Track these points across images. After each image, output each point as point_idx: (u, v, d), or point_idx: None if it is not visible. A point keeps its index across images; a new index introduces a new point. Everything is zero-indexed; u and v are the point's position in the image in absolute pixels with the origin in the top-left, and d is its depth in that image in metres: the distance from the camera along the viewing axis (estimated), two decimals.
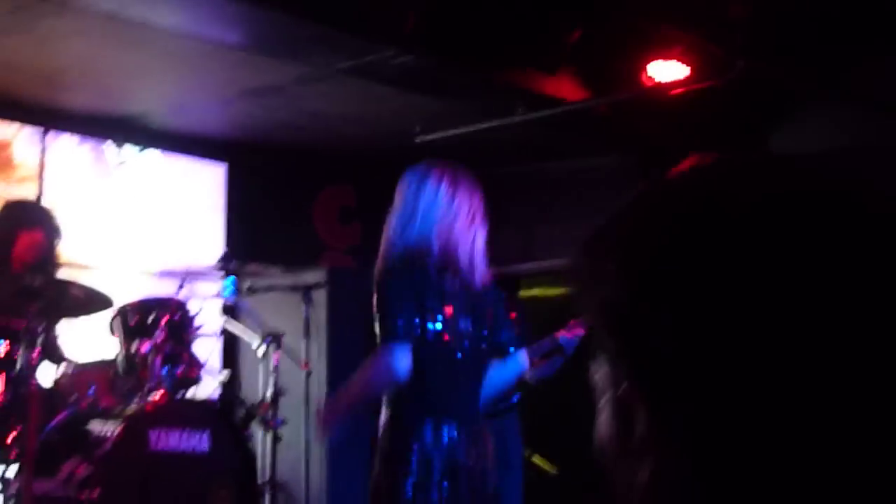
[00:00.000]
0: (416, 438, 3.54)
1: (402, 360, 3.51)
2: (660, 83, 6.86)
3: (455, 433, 3.59)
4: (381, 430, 3.72)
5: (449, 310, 3.64)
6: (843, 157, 7.19)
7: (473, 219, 3.73)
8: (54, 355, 5.82)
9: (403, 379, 3.53)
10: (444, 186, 3.69)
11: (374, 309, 3.65)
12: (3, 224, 5.78)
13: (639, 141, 7.86)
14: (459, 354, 3.68)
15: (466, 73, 6.84)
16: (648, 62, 6.84)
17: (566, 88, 7.13)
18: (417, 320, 3.55)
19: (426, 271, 3.59)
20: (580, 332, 5.10)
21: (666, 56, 6.84)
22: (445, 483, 3.54)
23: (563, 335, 5.09)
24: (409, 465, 3.52)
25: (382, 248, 3.72)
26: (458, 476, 3.57)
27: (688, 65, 6.83)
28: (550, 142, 8.03)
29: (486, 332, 3.78)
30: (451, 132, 7.50)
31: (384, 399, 3.72)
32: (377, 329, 3.61)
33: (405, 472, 3.53)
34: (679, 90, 6.90)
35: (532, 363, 5.13)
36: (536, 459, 6.94)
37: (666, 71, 6.87)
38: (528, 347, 5.08)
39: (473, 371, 3.76)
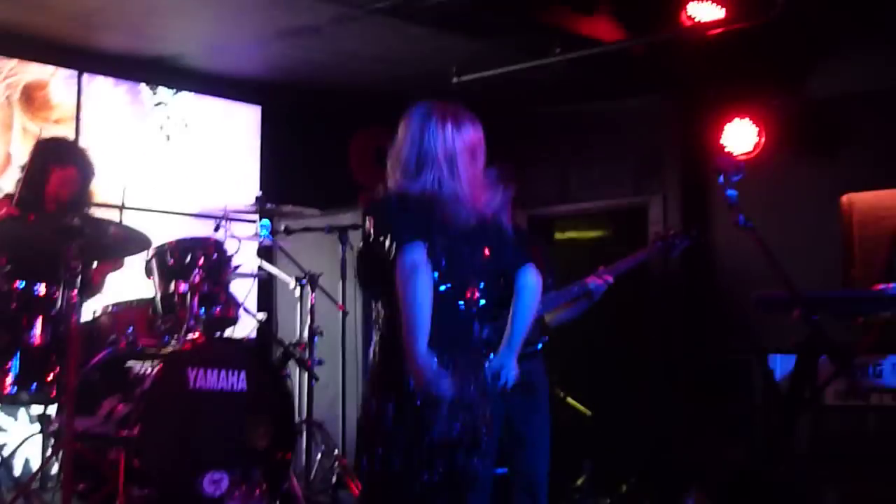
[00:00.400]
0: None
1: (419, 254, 3.45)
2: (698, 23, 6.78)
3: (448, 363, 3.50)
4: (372, 352, 3.67)
5: (451, 242, 3.58)
6: (879, 99, 7.10)
7: (475, 154, 3.71)
8: (92, 295, 5.87)
9: (429, 273, 3.47)
10: (448, 123, 3.68)
11: (372, 236, 3.59)
12: (37, 161, 5.78)
13: (676, 82, 7.77)
14: (457, 284, 3.61)
15: (503, 13, 6.78)
16: (687, 2, 6.76)
17: (603, 29, 7.06)
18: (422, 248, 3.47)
19: (430, 204, 3.56)
20: (609, 278, 5.10)
21: None
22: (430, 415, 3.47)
23: (592, 280, 5.08)
24: (401, 388, 3.50)
25: (388, 182, 3.69)
26: (444, 408, 3.49)
27: (726, 5, 6.74)
28: (587, 82, 7.95)
29: (490, 263, 3.71)
30: (487, 73, 7.45)
31: (379, 320, 3.65)
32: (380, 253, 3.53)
33: (392, 397, 3.52)
34: (717, 30, 6.81)
35: (559, 307, 5.13)
36: (570, 402, 6.96)
37: (704, 11, 6.79)
38: (556, 292, 5.08)
39: (475, 303, 3.69)
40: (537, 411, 5.05)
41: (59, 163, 5.75)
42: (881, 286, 4.77)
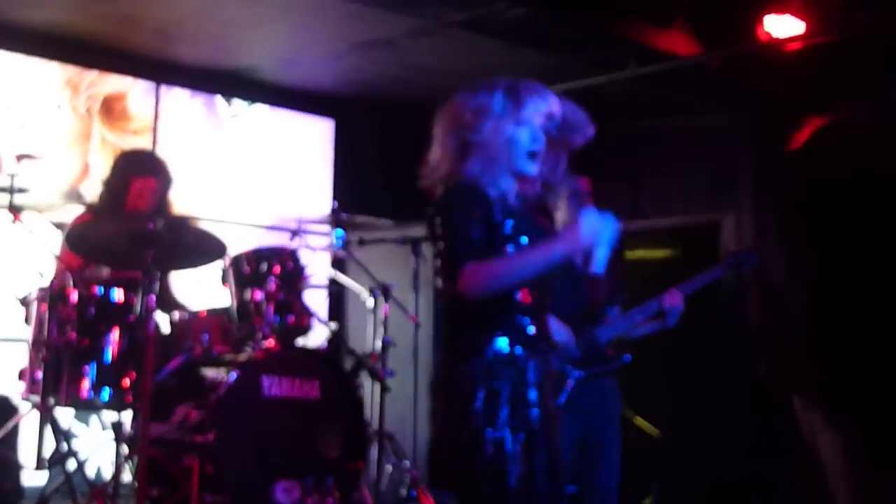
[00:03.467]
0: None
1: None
2: (776, 38, 6.72)
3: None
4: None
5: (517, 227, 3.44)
6: None
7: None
8: (169, 303, 5.92)
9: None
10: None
11: (441, 231, 3.41)
12: (117, 172, 5.86)
13: (752, 98, 7.71)
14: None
15: (578, 27, 6.77)
16: (764, 16, 6.70)
17: (679, 43, 7.02)
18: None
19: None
20: (679, 301, 5.02)
21: (782, 10, 6.69)
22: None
23: (668, 301, 5.01)
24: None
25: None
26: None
27: (804, 19, 6.67)
28: (661, 97, 7.91)
29: None
30: (561, 86, 7.43)
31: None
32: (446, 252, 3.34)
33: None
34: (796, 45, 6.75)
35: (638, 324, 5.09)
36: (639, 422, 6.91)
37: (782, 25, 6.73)
38: (634, 308, 5.03)
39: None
40: (611, 424, 5.02)
41: (139, 173, 5.81)
42: None
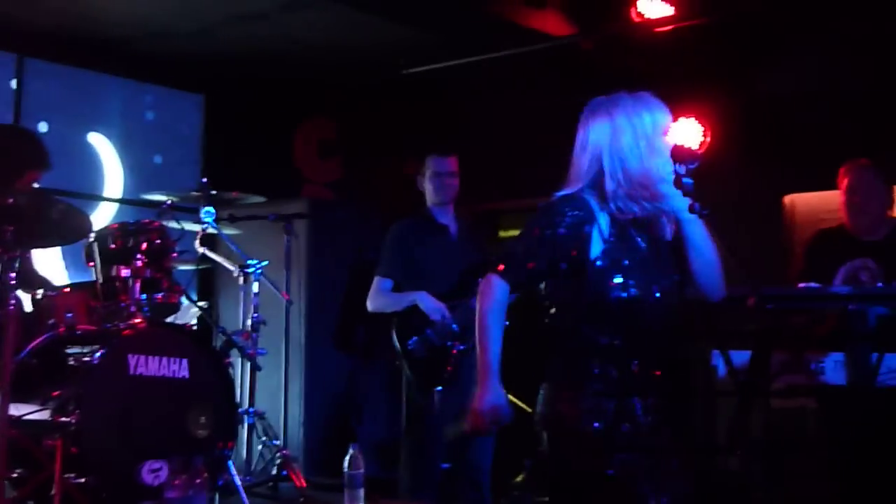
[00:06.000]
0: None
1: None
2: (646, 20, 6.81)
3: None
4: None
5: None
6: (821, 100, 7.16)
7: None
8: (31, 281, 5.75)
9: None
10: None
11: None
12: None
13: (623, 79, 7.78)
14: None
15: (453, 4, 6.76)
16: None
17: (552, 23, 7.07)
18: None
19: None
20: None
21: None
22: None
23: None
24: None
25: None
26: None
27: (674, 3, 6.78)
28: (534, 78, 7.95)
29: None
30: (435, 66, 7.43)
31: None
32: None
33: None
34: (665, 28, 6.85)
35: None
36: (511, 399, 6.93)
37: (653, 8, 6.82)
38: None
39: None
40: None
41: (31, 165, 5.61)
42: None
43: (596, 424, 3.12)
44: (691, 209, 3.19)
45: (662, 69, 7.32)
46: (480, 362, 3.21)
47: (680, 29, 6.82)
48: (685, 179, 3.26)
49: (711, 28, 6.70)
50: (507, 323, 3.29)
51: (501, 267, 3.22)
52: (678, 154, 3.33)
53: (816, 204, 7.41)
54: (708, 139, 6.37)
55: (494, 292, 3.20)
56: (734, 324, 4.70)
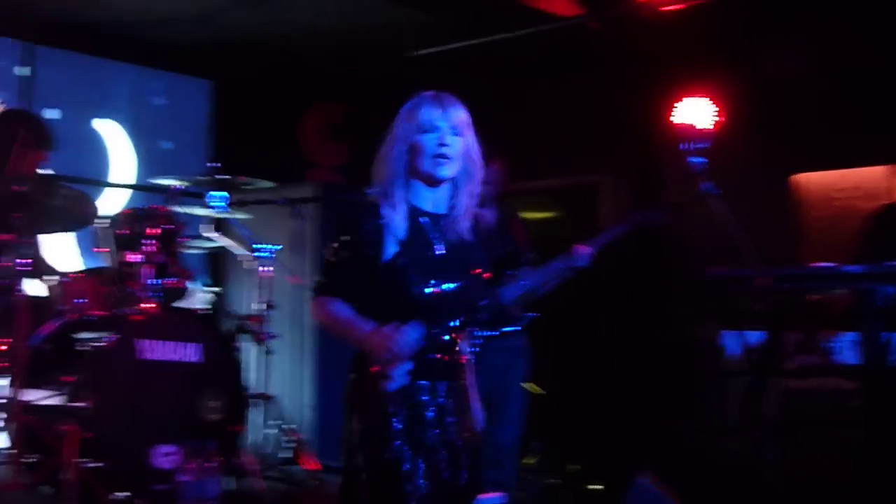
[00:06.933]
0: None
1: None
2: (654, 0, 6.79)
3: None
4: None
5: None
6: (831, 79, 7.13)
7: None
8: (38, 267, 5.77)
9: None
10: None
11: None
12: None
13: (630, 60, 7.77)
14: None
15: None
16: None
17: (560, 4, 7.05)
18: None
19: None
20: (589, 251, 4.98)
21: None
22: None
23: (577, 253, 4.95)
24: None
25: None
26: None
27: None
28: (542, 58, 7.93)
29: None
30: (441, 48, 7.41)
31: None
32: None
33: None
34: (673, 7, 6.83)
35: (545, 283, 5.08)
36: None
37: None
38: (540, 268, 5.00)
39: None
40: (515, 385, 5.15)
41: (31, 145, 5.61)
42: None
43: None
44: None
45: (670, 49, 7.31)
46: (357, 337, 3.22)
47: (688, 9, 6.79)
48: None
49: (719, 8, 6.67)
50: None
51: None
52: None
53: (826, 183, 7.38)
54: (721, 119, 6.39)
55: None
56: (745, 304, 4.71)
